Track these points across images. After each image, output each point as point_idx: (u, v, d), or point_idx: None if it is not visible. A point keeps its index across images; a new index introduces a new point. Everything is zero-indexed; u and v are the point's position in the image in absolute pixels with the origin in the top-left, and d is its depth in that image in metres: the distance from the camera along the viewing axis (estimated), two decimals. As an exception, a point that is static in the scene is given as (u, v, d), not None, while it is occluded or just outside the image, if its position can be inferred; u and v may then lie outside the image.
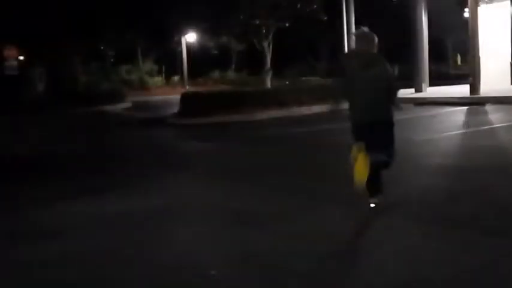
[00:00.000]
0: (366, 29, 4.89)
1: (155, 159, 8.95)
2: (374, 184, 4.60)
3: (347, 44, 21.87)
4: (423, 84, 19.68)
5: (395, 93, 4.85)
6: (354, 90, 4.72)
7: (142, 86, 35.76)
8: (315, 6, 21.48)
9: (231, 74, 40.27)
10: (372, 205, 4.70)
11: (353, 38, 5.24)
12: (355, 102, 4.73)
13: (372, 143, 4.52)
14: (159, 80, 38.30)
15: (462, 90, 17.16)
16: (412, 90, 19.48)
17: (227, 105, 14.79)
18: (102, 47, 36.00)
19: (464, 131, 10.02)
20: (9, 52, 24.60)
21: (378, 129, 4.61)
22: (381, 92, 4.61)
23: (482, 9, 17.49)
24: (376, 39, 4.73)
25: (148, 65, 37.78)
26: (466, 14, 19.57)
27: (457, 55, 34.75)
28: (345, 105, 4.88)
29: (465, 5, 18.37)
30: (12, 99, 22.74)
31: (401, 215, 4.57)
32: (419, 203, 4.98)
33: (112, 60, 37.78)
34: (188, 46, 37.34)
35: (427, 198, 5.15)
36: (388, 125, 4.71)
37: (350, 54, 4.74)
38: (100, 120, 18.68)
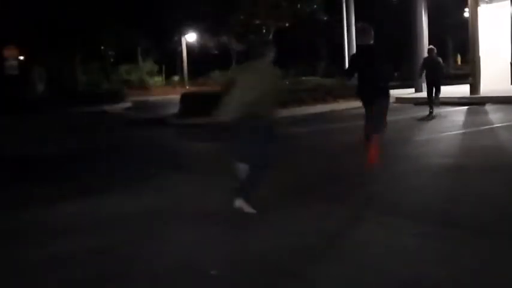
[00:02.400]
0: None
1: (155, 159, 8.95)
2: None
3: (347, 44, 21.85)
4: (423, 84, 19.64)
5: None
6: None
7: (142, 86, 35.76)
8: (315, 6, 21.48)
9: (231, 74, 40.22)
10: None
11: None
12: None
13: None
14: (159, 80, 38.31)
15: (462, 90, 17.15)
16: (412, 90, 19.48)
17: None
18: (102, 47, 36.00)
19: (464, 131, 10.02)
20: (9, 52, 24.59)
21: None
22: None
23: (482, 9, 17.49)
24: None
25: (148, 65, 37.78)
26: (466, 14, 19.58)
27: (457, 55, 34.76)
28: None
29: (465, 5, 18.37)
30: (12, 99, 22.76)
31: (401, 214, 4.57)
32: (419, 202, 4.98)
33: (112, 60, 37.78)
34: (188, 46, 37.35)
35: (427, 198, 5.15)
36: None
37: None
38: (100, 120, 18.67)
